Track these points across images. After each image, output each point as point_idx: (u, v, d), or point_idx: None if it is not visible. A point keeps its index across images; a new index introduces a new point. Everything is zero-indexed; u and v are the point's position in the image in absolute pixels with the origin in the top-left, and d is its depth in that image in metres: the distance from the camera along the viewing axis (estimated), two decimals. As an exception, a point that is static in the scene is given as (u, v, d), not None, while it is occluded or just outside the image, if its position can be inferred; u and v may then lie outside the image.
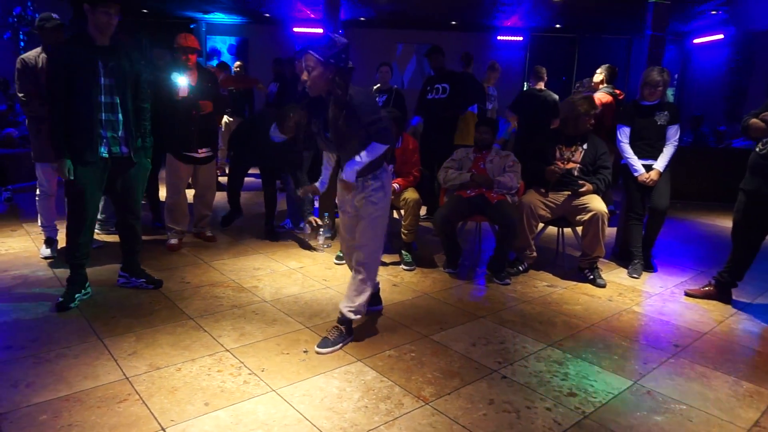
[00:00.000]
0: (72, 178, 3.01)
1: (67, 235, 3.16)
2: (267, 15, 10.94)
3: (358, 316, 2.90)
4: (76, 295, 3.18)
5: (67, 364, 2.50)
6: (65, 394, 2.25)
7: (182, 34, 4.18)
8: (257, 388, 2.39)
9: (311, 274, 3.97)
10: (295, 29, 11.30)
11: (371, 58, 11.00)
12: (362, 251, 2.83)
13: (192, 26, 11.78)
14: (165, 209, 4.47)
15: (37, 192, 3.96)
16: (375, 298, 3.24)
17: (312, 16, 10.45)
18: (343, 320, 2.87)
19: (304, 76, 2.60)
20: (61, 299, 3.10)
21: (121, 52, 3.08)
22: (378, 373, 2.57)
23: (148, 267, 3.85)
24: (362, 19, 11.09)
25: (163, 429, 2.06)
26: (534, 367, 2.70)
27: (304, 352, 2.75)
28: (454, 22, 11.29)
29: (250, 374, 2.50)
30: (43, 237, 4.04)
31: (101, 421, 2.09)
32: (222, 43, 12.21)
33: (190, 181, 4.59)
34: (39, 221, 4.04)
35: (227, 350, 2.72)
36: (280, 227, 5.08)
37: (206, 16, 11.44)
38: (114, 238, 4.54)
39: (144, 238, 4.61)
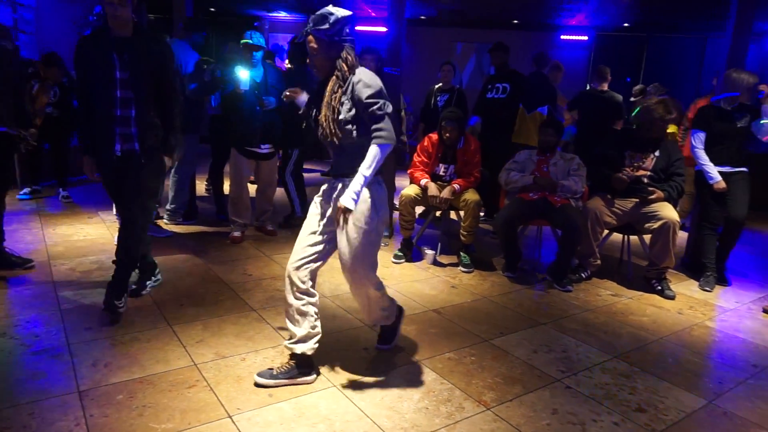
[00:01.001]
0: (97, 175, 3.01)
1: None
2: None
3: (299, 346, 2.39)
4: (147, 283, 3.31)
5: (140, 348, 2.62)
6: (139, 377, 2.36)
7: (248, 31, 4.29)
8: (318, 382, 2.42)
9: (369, 272, 3.99)
10: (356, 28, 11.39)
11: (430, 56, 10.97)
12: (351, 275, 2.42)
13: (256, 24, 12.09)
14: (228, 202, 4.60)
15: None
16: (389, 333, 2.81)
17: (373, 14, 10.51)
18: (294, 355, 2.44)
19: (311, 61, 2.33)
20: (133, 287, 3.23)
21: (141, 44, 2.85)
22: (438, 375, 2.56)
23: (211, 259, 3.99)
24: (422, 17, 11.06)
25: (229, 416, 2.13)
26: (599, 378, 2.61)
27: (364, 349, 2.77)
28: (515, 21, 11.08)
29: (311, 368, 2.53)
30: (117, 224, 4.25)
31: (172, 405, 2.17)
32: (284, 41, 12.46)
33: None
34: (113, 209, 4.25)
35: (289, 343, 2.77)
36: None
37: (270, 14, 11.71)
38: (183, 228, 4.74)
39: (208, 230, 4.78)
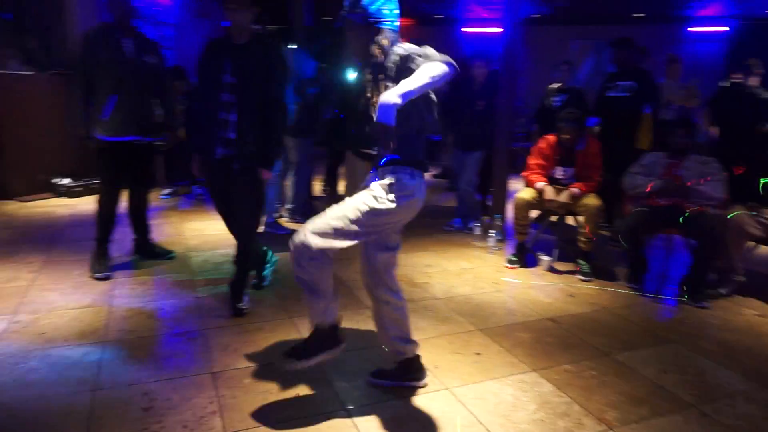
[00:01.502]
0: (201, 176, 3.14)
1: None
2: (437, 16, 11.08)
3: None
4: (264, 273, 3.46)
5: (264, 337, 2.79)
6: (264, 363, 2.51)
7: None
8: (431, 384, 2.43)
9: (482, 276, 3.93)
10: (464, 29, 11.28)
11: (544, 56, 10.55)
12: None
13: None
14: None
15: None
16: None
17: (484, 15, 10.35)
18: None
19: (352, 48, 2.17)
20: (254, 281, 3.43)
21: (253, 52, 2.86)
22: (554, 386, 2.45)
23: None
24: (536, 16, 10.69)
25: (346, 410, 2.20)
26: (743, 408, 2.35)
27: (477, 354, 2.73)
28: (637, 15, 10.34)
29: (424, 369, 2.55)
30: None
31: (293, 392, 2.29)
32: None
33: None
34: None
35: (402, 342, 2.80)
36: (448, 226, 5.11)
37: (382, 20, 11.97)
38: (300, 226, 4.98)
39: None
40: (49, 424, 2.03)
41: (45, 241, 4.20)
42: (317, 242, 2.00)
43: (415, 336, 2.85)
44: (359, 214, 2.02)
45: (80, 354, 2.53)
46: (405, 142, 2.05)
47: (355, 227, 2.02)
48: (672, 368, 2.66)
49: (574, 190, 3.90)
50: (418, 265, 4.09)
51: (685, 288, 3.60)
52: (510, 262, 4.14)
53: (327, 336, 2.16)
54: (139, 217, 3.85)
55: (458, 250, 4.53)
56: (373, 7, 2.05)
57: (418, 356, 2.41)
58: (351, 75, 4.47)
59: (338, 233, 2.01)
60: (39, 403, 2.15)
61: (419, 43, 2.11)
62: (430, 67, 1.89)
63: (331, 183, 5.50)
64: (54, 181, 5.72)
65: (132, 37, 3.43)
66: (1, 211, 5.03)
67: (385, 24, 2.08)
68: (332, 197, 5.49)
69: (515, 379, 2.51)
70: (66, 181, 5.71)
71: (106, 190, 3.55)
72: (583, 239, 3.94)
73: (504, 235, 4.76)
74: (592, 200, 3.89)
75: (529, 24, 10.75)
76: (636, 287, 3.77)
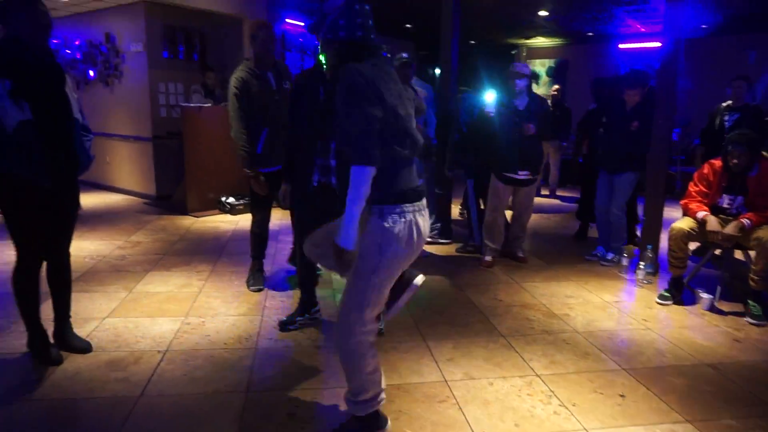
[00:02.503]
0: (290, 205, 3.11)
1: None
2: (590, 34, 10.61)
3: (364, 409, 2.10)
4: (297, 318, 3.22)
5: (399, 357, 2.87)
6: (397, 383, 2.59)
7: (518, 63, 4.41)
8: (567, 422, 2.31)
9: (628, 311, 3.65)
10: (621, 46, 10.65)
11: (713, 70, 9.56)
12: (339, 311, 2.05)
13: (513, 51, 12.28)
14: (483, 226, 4.73)
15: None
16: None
17: (642, 30, 9.68)
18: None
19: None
20: (284, 318, 3.25)
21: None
22: (713, 442, 2.19)
23: (464, 281, 4.16)
24: (703, 26, 9.74)
25: (476, 439, 2.18)
26: None
27: (621, 396, 2.53)
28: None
29: (560, 405, 2.43)
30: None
31: (424, 416, 2.32)
32: (541, 66, 12.37)
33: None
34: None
35: (537, 375, 2.70)
36: (591, 255, 4.81)
37: (528, 41, 11.77)
38: (438, 249, 5.05)
39: (462, 254, 4.96)
40: (208, 418, 2.29)
41: (212, 253, 4.75)
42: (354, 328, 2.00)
43: (552, 369, 2.76)
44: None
45: (237, 357, 2.82)
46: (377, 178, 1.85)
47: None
48: None
49: (744, 221, 3.47)
50: (557, 295, 3.92)
51: None
52: (662, 297, 3.79)
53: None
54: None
55: (601, 281, 4.25)
56: (327, 24, 1.94)
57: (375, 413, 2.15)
58: (488, 96, 4.46)
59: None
60: (201, 397, 2.43)
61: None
62: (353, 178, 1.79)
63: (470, 207, 5.50)
64: (221, 199, 6.47)
65: (273, 70, 3.62)
66: (179, 225, 5.81)
67: (337, 40, 1.93)
68: (469, 222, 5.48)
69: (665, 428, 2.29)
70: (230, 199, 6.43)
71: (259, 214, 3.82)
72: (754, 277, 3.48)
73: (656, 268, 4.37)
74: (766, 233, 3.43)
75: (695, 35, 9.87)
76: (823, 337, 3.23)
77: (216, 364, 2.74)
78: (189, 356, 2.81)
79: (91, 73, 7.54)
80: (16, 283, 2.60)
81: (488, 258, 4.58)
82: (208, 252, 4.78)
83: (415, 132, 1.98)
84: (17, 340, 2.86)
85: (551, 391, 2.55)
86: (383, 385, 2.14)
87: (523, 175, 4.41)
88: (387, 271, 1.95)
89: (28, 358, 2.72)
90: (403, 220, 1.91)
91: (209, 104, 6.41)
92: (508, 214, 4.85)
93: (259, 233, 3.84)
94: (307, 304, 3.24)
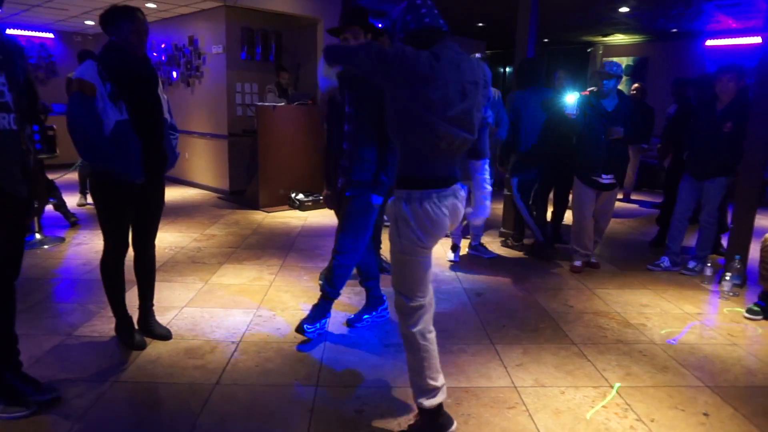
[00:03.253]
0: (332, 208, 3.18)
1: None
2: (674, 30, 10.04)
3: (431, 400, 2.09)
4: (364, 316, 3.23)
5: (466, 360, 2.84)
6: (464, 386, 2.56)
7: (609, 61, 4.24)
8: (646, 438, 2.20)
9: (712, 324, 3.43)
10: (708, 42, 10.01)
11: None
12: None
13: (589, 50, 11.84)
14: (572, 232, 4.58)
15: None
16: None
17: (734, 25, 9.05)
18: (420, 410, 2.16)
19: None
20: (352, 316, 3.27)
21: (364, 82, 2.77)
22: (811, 471, 2.02)
23: (533, 285, 4.05)
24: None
25: (547, 448, 2.12)
26: None
27: (704, 414, 2.39)
28: None
29: (637, 420, 2.32)
30: (450, 242, 4.72)
31: (493, 421, 2.28)
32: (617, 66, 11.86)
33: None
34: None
35: (611, 387, 2.59)
36: (654, 265, 4.54)
37: (605, 38, 11.30)
38: (507, 252, 4.96)
39: (531, 259, 4.83)
40: (280, 409, 2.35)
41: (282, 248, 4.90)
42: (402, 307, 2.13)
43: (628, 381, 2.64)
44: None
45: (306, 351, 2.89)
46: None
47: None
48: None
49: None
50: (632, 303, 3.74)
51: None
52: (751, 312, 3.53)
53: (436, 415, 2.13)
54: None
55: (681, 291, 4.02)
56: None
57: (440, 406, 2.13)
58: (568, 98, 4.32)
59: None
60: (274, 389, 2.51)
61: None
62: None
63: (555, 210, 5.34)
64: (291, 195, 6.65)
65: None
66: (251, 219, 6.02)
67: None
68: (554, 225, 5.33)
69: (755, 452, 2.13)
70: (300, 196, 6.59)
71: None
72: None
73: (743, 280, 4.08)
74: None
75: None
76: None
77: (286, 357, 2.81)
78: (261, 348, 2.91)
79: (175, 74, 7.97)
80: (103, 272, 2.78)
81: (577, 263, 4.43)
82: (278, 247, 4.92)
83: (448, 126, 1.93)
84: (107, 325, 3.06)
85: (627, 404, 2.44)
86: (442, 379, 2.13)
87: (607, 179, 4.24)
88: (409, 253, 2.03)
89: (115, 342, 2.91)
90: (417, 205, 1.98)
91: (282, 103, 6.60)
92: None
93: None
94: (375, 301, 3.27)
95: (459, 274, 4.27)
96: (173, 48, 7.94)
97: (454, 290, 3.90)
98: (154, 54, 8.24)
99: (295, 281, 4.00)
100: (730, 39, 9.67)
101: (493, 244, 5.12)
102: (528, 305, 3.65)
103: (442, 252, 4.87)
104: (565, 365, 2.80)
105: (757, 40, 4.11)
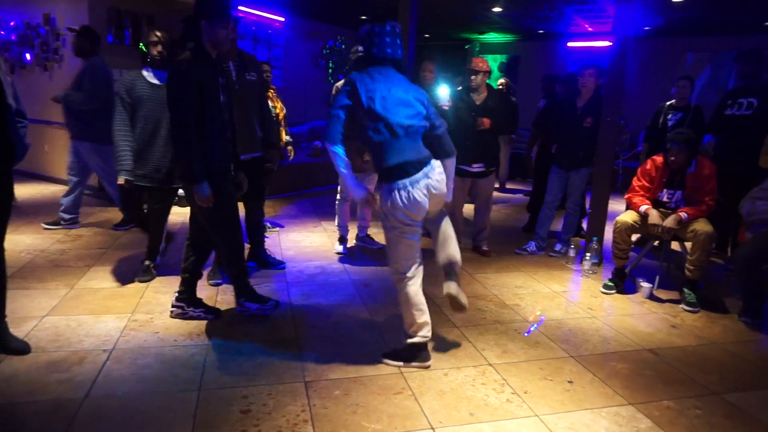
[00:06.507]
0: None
1: None
2: (541, 31, 10.87)
3: (416, 338, 2.70)
4: (243, 301, 3.24)
5: (354, 350, 2.87)
6: (353, 376, 2.59)
7: (476, 58, 4.46)
8: (520, 409, 2.38)
9: (575, 300, 3.78)
10: (570, 44, 10.96)
11: (656, 69, 10.00)
12: None
13: (466, 47, 12.43)
14: None
15: (337, 197, 4.65)
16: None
17: (589, 29, 9.99)
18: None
19: None
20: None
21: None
22: (654, 423, 2.31)
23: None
24: (646, 28, 10.15)
25: (432, 428, 2.21)
26: None
27: (569, 382, 2.63)
28: (767, 24, 9.47)
29: (513, 393, 2.50)
30: (337, 235, 4.73)
31: (381, 408, 2.34)
32: (493, 62, 12.58)
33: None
34: (336, 221, 4.74)
35: (490, 364, 2.77)
36: (521, 249, 4.92)
37: (481, 36, 11.94)
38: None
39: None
40: (160, 417, 2.22)
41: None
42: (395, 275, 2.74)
43: (505, 358, 2.84)
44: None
45: (188, 354, 2.74)
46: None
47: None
48: (794, 416, 2.41)
49: (682, 214, 3.66)
50: (508, 285, 4.02)
51: (811, 326, 3.25)
52: (606, 287, 3.95)
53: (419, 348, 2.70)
54: (255, 228, 4.10)
55: (550, 272, 4.39)
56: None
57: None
58: (441, 90, 4.50)
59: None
60: (152, 397, 2.36)
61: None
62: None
63: None
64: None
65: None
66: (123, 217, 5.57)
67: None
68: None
69: (610, 411, 2.39)
70: (181, 191, 6.22)
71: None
72: (689, 267, 3.68)
73: (601, 259, 4.55)
74: (702, 226, 3.62)
75: (640, 36, 10.27)
76: (751, 322, 3.45)
77: (166, 362, 2.66)
78: (137, 355, 2.72)
79: (29, 56, 7.12)
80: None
81: None
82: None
83: (393, 117, 2.53)
84: (-53, 341, 2.68)
85: (504, 379, 2.62)
86: (429, 329, 2.70)
87: (477, 167, 4.48)
88: (397, 231, 2.60)
89: (-41, 360, 2.56)
90: (395, 193, 2.52)
91: (157, 92, 6.17)
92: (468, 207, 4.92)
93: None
94: (244, 289, 3.22)
95: (347, 265, 4.30)
96: (25, 26, 7.08)
97: (342, 282, 3.92)
98: (1, 32, 7.30)
99: (176, 281, 3.76)
100: (587, 42, 10.68)
101: (379, 234, 5.21)
102: (413, 292, 3.77)
103: (329, 245, 4.87)
104: (448, 348, 2.94)
105: (609, 43, 4.56)
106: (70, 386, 2.40)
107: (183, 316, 3.16)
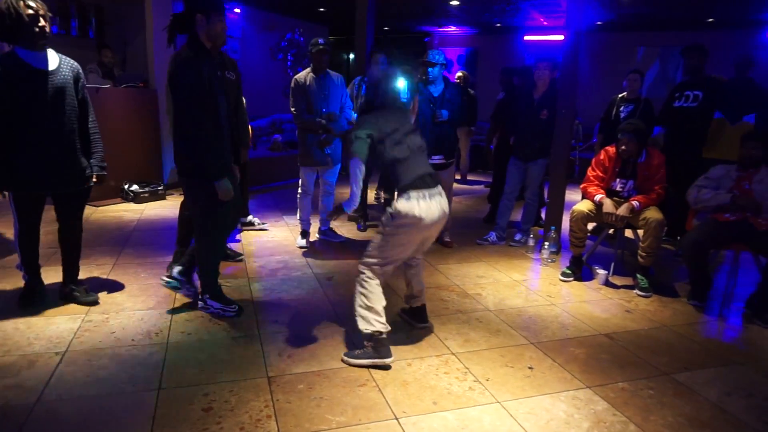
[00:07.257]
0: None
1: None
2: (498, 25, 11.02)
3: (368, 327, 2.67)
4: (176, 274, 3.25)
5: (318, 344, 2.86)
6: (317, 370, 2.58)
7: (431, 50, 4.47)
8: (482, 396, 2.42)
9: (535, 288, 3.87)
10: (526, 37, 11.16)
11: (608, 63, 10.29)
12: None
13: (426, 39, 12.49)
14: None
15: (299, 191, 4.61)
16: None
17: (545, 23, 10.19)
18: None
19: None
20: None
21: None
22: (610, 405, 2.39)
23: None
24: (598, 23, 10.43)
25: (396, 418, 2.22)
26: (816, 436, 2.21)
27: (529, 368, 2.69)
28: (710, 20, 9.88)
29: (475, 381, 2.54)
30: (299, 229, 4.69)
31: (345, 400, 2.34)
32: (452, 54, 12.68)
33: None
34: (297, 215, 4.70)
35: (453, 354, 2.81)
36: (482, 240, 5.01)
37: (441, 29, 12.01)
38: (356, 234, 5.06)
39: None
40: (117, 419, 2.16)
41: (114, 244, 4.46)
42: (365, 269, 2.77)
43: (467, 347, 2.88)
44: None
45: (146, 354, 2.67)
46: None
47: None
48: (737, 391, 2.54)
49: (634, 203, 3.79)
50: (469, 275, 4.08)
51: (752, 307, 3.42)
52: (564, 274, 4.06)
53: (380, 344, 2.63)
54: None
55: (510, 261, 4.48)
56: None
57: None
58: (398, 83, 4.50)
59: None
60: (108, 398, 2.29)
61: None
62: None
63: (386, 191, 5.58)
64: (123, 187, 6.07)
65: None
66: (77, 216, 5.37)
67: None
68: (386, 204, 5.54)
69: (569, 395, 2.46)
70: (134, 187, 6.05)
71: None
72: (642, 253, 3.81)
73: (559, 248, 4.67)
74: (652, 213, 3.76)
75: (592, 30, 10.53)
76: (699, 305, 3.61)
77: (123, 362, 2.58)
78: (92, 356, 2.63)
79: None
80: None
81: None
82: (110, 244, 4.48)
83: (409, 138, 2.82)
84: None
85: (466, 368, 2.66)
86: (384, 325, 2.67)
87: (436, 159, 4.51)
88: (399, 237, 2.66)
89: None
90: (407, 201, 2.61)
91: (108, 85, 5.96)
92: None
93: (185, 218, 3.70)
94: (211, 286, 3.17)
95: (309, 260, 4.27)
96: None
97: (305, 276, 3.89)
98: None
99: (132, 279, 3.68)
100: (543, 35, 10.89)
101: (341, 227, 5.20)
102: (376, 285, 3.77)
103: (291, 239, 4.82)
104: (411, 338, 2.96)
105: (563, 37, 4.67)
106: (19, 391, 2.30)
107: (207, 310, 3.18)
